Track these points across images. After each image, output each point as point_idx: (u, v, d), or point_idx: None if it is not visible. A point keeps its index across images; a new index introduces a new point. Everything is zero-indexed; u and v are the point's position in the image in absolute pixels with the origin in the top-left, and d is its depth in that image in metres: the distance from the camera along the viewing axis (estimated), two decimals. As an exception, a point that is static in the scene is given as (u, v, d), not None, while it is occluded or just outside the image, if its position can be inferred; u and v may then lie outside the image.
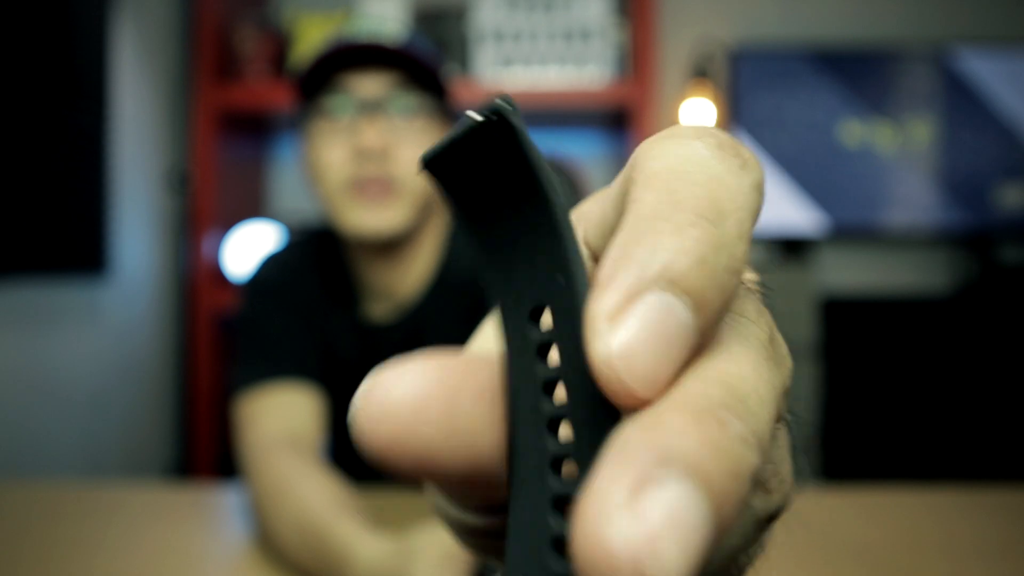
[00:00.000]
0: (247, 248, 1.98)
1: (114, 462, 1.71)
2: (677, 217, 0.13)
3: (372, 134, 0.74)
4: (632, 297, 0.12)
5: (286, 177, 2.36)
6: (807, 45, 2.27)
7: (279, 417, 0.79)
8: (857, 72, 2.27)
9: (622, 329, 0.12)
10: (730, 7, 2.36)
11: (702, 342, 0.13)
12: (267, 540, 0.66)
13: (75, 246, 1.54)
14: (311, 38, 1.95)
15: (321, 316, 0.89)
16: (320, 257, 0.90)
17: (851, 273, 2.35)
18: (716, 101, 2.16)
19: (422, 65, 0.76)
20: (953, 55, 2.26)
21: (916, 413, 2.08)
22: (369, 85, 0.76)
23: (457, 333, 0.82)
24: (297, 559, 0.61)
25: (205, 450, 1.89)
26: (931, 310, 2.11)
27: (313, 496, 0.63)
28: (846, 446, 2.05)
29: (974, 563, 0.61)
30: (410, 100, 0.77)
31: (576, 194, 1.23)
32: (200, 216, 1.88)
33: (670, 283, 0.12)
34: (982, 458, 2.05)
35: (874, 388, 2.08)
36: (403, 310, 0.85)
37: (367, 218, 0.76)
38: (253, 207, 2.25)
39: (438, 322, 0.84)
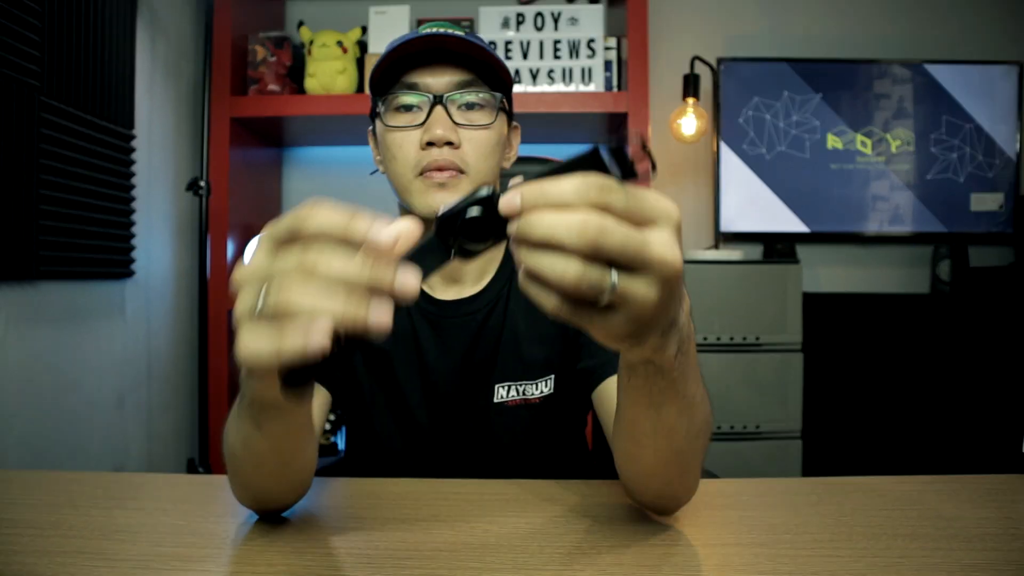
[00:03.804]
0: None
1: (137, 455, 1.81)
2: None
3: (440, 127, 0.81)
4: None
5: (298, 183, 2.48)
6: (790, 61, 2.39)
7: None
8: (837, 86, 2.39)
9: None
10: (718, 26, 2.49)
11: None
12: (225, 455, 0.70)
13: (103, 252, 1.64)
14: (324, 53, 2.06)
15: None
16: None
17: (832, 275, 2.47)
18: (704, 113, 2.28)
19: (485, 62, 0.83)
20: (928, 70, 2.38)
21: (894, 405, 2.18)
22: (437, 81, 0.83)
23: (528, 319, 0.88)
24: (233, 447, 0.66)
25: (220, 443, 1.98)
26: (909, 309, 2.21)
27: None
28: (825, 436, 2.16)
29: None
30: (473, 95, 0.84)
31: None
32: (218, 221, 1.99)
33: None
34: (959, 448, 2.16)
35: (852, 382, 2.19)
36: (475, 288, 0.90)
37: (437, 198, 0.81)
38: (268, 212, 2.36)
39: (503, 306, 0.89)
